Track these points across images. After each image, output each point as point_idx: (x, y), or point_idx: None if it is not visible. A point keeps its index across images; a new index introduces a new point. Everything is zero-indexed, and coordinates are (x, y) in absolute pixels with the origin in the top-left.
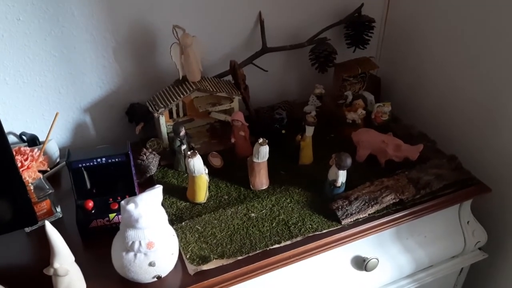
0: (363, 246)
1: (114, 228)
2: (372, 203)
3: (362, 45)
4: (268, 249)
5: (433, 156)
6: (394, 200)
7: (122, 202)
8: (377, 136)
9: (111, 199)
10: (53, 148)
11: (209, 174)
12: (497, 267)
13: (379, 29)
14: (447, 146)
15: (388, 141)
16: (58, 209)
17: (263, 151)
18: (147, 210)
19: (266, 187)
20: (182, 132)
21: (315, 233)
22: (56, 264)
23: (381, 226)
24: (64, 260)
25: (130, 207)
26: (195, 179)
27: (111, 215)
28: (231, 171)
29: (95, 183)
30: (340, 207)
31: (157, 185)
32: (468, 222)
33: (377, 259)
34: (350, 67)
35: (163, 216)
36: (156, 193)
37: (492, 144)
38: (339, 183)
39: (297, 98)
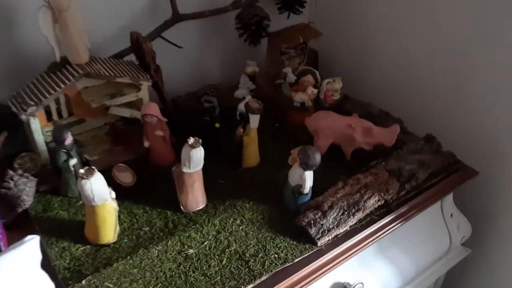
0: (341, 269)
1: None
2: (353, 210)
3: (297, 9)
4: None
5: (405, 138)
6: (379, 203)
7: None
8: (340, 119)
9: None
10: None
11: (118, 197)
12: (477, 261)
13: None
14: (407, 125)
15: (356, 125)
16: None
17: (196, 156)
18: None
19: (204, 206)
20: (68, 140)
21: (286, 266)
22: None
23: (368, 239)
24: None
25: None
26: (95, 210)
27: None
28: (149, 189)
29: None
30: (312, 222)
31: (30, 237)
32: (451, 215)
33: (362, 284)
34: (288, 36)
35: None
36: (25, 253)
37: (457, 117)
38: (306, 189)
39: (223, 82)
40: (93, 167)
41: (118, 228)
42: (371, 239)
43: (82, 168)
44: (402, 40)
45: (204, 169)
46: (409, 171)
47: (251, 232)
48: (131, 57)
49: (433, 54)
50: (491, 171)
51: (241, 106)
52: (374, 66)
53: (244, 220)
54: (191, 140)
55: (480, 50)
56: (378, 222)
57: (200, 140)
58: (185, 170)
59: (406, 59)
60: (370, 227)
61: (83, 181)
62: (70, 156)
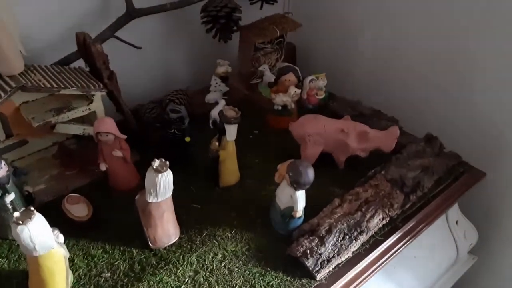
0: None
1: None
2: (355, 233)
3: None
4: None
5: (403, 140)
6: (384, 221)
7: None
8: (331, 124)
9: None
10: None
11: (70, 236)
12: (482, 266)
13: None
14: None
15: (349, 129)
16: None
17: (164, 183)
18: None
19: (177, 239)
20: (2, 171)
21: None
22: None
23: (374, 265)
24: None
25: None
26: (39, 261)
27: None
28: (109, 222)
29: None
30: (308, 251)
31: None
32: (457, 222)
33: None
34: (263, 29)
35: None
36: None
37: (454, 114)
38: (299, 212)
39: (191, 85)
40: (32, 208)
41: (71, 278)
42: (377, 264)
43: (24, 203)
44: (391, 28)
45: (175, 192)
46: (413, 179)
47: (236, 269)
48: (80, 63)
49: (429, 45)
50: (491, 170)
51: (214, 113)
52: (360, 59)
53: (227, 253)
54: (156, 163)
55: (480, 42)
56: (384, 243)
57: (167, 163)
58: (151, 199)
59: (396, 51)
60: (375, 250)
61: (19, 227)
62: (6, 191)
